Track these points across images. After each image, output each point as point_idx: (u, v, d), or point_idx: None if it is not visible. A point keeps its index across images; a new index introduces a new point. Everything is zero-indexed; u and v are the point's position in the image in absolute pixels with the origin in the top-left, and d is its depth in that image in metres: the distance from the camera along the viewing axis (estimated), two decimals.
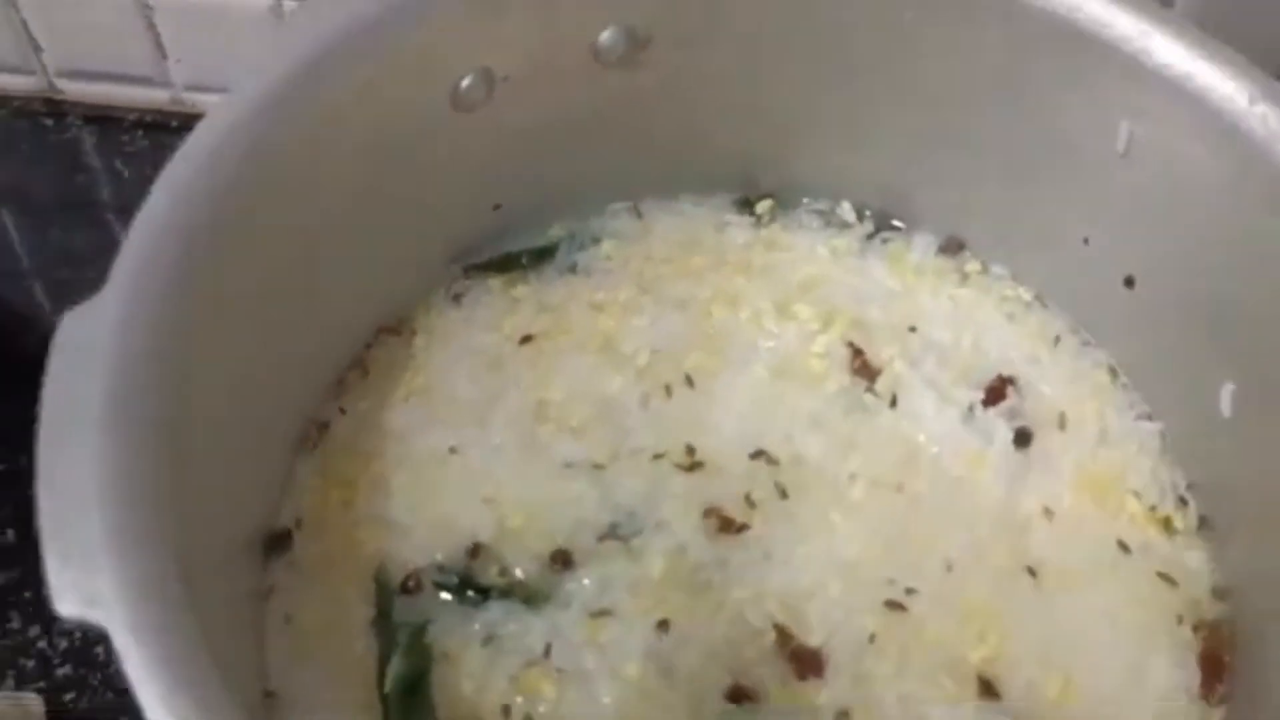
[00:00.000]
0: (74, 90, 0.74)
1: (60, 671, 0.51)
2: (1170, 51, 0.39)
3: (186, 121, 0.73)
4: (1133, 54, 0.40)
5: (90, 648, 0.52)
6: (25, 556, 0.54)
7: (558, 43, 0.43)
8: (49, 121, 0.74)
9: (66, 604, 0.26)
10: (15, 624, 0.53)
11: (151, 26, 0.68)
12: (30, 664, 0.52)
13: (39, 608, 0.53)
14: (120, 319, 0.31)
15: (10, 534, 0.56)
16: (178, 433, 0.33)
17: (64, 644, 0.52)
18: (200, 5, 0.66)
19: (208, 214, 0.36)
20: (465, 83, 0.43)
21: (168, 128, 0.73)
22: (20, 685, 0.51)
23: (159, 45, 0.69)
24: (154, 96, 0.73)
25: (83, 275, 0.68)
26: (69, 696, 0.51)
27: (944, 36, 0.43)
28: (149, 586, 0.27)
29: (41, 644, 0.52)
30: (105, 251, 0.75)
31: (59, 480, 0.28)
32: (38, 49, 0.69)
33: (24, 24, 0.68)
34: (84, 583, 0.26)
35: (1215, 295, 0.41)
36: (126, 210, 0.77)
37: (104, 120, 0.74)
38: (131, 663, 0.26)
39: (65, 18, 0.68)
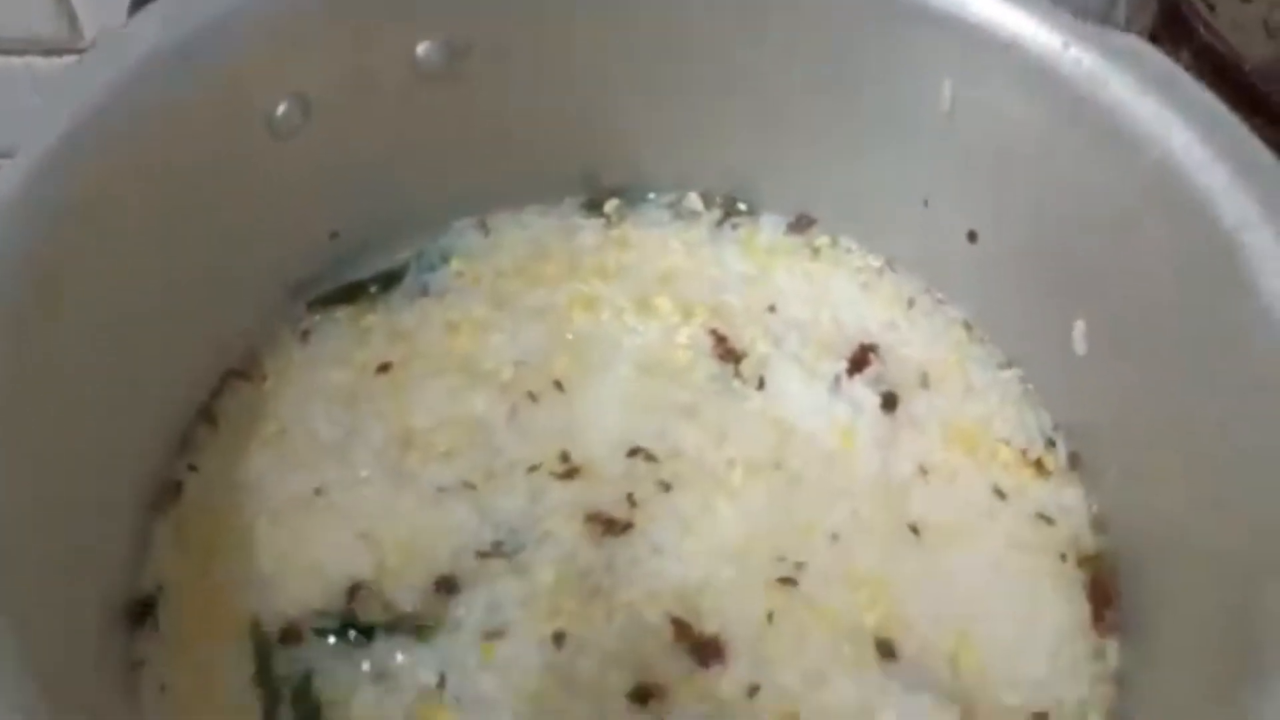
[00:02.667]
0: None
1: None
2: (982, 4, 0.40)
3: None
4: (946, 11, 0.41)
5: None
6: None
7: (373, 62, 0.42)
8: None
9: None
10: None
11: None
12: None
13: None
14: None
15: None
16: (16, 499, 0.31)
17: None
18: None
19: (17, 274, 0.34)
20: (280, 110, 0.41)
21: None
22: None
23: None
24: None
25: None
26: None
27: (765, 20, 0.44)
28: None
29: None
30: None
31: None
32: None
33: None
34: None
35: (1055, 239, 0.42)
36: None
37: None
38: None
39: None
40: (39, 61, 0.65)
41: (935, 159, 0.44)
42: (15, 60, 0.65)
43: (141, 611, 0.39)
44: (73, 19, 0.63)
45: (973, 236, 0.45)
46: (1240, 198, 0.35)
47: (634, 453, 0.44)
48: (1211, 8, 0.54)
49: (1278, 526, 0.32)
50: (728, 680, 0.39)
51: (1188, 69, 0.38)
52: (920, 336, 0.48)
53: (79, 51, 0.63)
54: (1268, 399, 0.34)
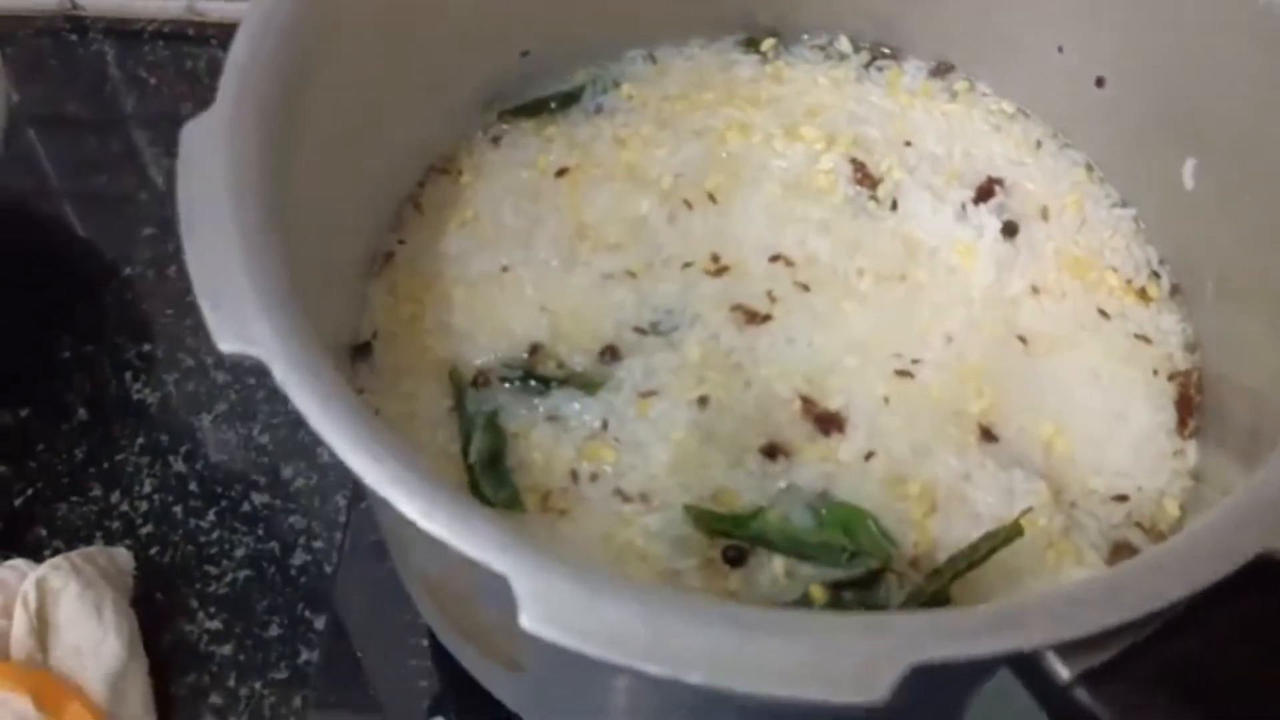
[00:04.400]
0: (94, 5, 0.78)
1: (143, 530, 0.57)
2: None
3: (202, 30, 0.77)
4: None
5: (169, 508, 0.58)
6: (97, 432, 0.60)
7: None
8: (73, 38, 0.78)
9: (225, 343, 0.31)
10: (97, 491, 0.58)
11: None
12: (116, 525, 0.57)
13: (119, 475, 0.59)
14: (231, 130, 0.36)
15: (83, 413, 0.61)
16: (279, 235, 0.38)
17: (144, 506, 0.58)
18: None
19: (285, 51, 0.41)
20: None
21: (185, 37, 0.77)
22: (109, 544, 0.56)
23: None
24: (170, 7, 0.77)
25: (115, 184, 0.72)
26: (153, 551, 0.56)
27: None
28: (295, 329, 0.32)
29: (124, 508, 0.58)
30: (132, 159, 0.79)
31: (204, 248, 0.33)
32: None
33: None
34: (238, 328, 0.32)
35: (1175, 84, 0.46)
36: (150, 120, 0.82)
37: (124, 34, 0.78)
38: (292, 385, 0.31)
39: None
40: None
41: (1069, 6, 0.49)
42: None
43: (361, 351, 0.47)
44: None
45: (1100, 82, 0.50)
46: None
47: (775, 258, 0.50)
48: None
49: None
50: (846, 447, 0.45)
51: None
52: (1044, 174, 0.52)
53: None
54: None
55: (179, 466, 0.59)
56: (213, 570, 0.56)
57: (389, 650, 0.52)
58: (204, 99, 0.38)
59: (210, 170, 0.34)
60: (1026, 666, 0.30)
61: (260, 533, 0.57)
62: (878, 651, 0.27)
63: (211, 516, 0.58)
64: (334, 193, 0.45)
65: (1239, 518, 0.30)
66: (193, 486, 0.58)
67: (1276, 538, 0.29)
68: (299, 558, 0.56)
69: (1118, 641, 0.30)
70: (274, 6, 0.41)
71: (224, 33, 0.75)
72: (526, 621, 0.27)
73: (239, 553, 0.56)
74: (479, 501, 0.43)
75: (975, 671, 0.32)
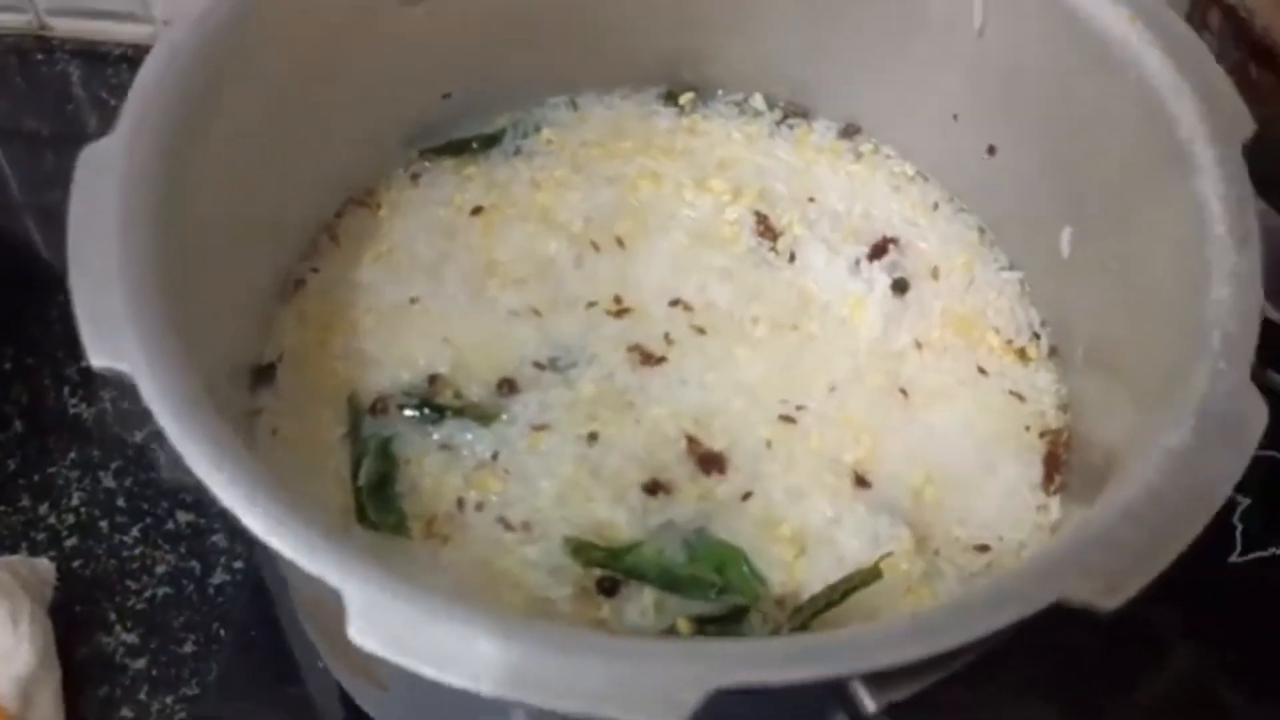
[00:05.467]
0: (63, 27, 0.80)
1: (69, 543, 0.58)
2: None
3: None
4: None
5: (95, 522, 0.59)
6: (31, 444, 0.61)
7: None
8: (39, 57, 0.80)
9: (98, 357, 0.33)
10: (25, 502, 0.59)
11: None
12: (41, 537, 0.58)
13: (49, 488, 0.59)
14: (127, 154, 0.38)
15: (19, 425, 0.63)
16: (175, 256, 0.40)
17: (71, 519, 0.59)
18: None
19: (194, 78, 0.43)
20: None
21: None
22: (33, 555, 0.57)
23: None
24: (137, 31, 0.78)
25: None
26: (76, 564, 0.57)
27: None
28: (165, 350, 0.34)
29: (51, 520, 0.59)
30: None
31: (87, 267, 0.35)
32: None
33: None
34: (110, 342, 0.34)
35: (1053, 157, 0.49)
36: None
37: (90, 55, 0.80)
38: (155, 401, 0.33)
39: None
40: None
41: (966, 77, 0.51)
42: None
43: (266, 372, 0.49)
44: None
45: (991, 151, 0.52)
46: (1199, 124, 0.41)
47: (675, 303, 0.52)
48: None
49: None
50: (725, 487, 0.47)
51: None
52: (938, 236, 0.54)
53: None
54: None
55: (108, 482, 0.60)
56: (133, 585, 0.57)
57: (290, 669, 0.54)
58: None
59: (102, 193, 0.36)
60: (840, 696, 0.31)
61: (182, 550, 0.58)
62: (683, 675, 0.29)
63: (136, 532, 0.59)
64: (242, 219, 0.47)
65: (1042, 567, 0.32)
66: (120, 502, 0.60)
67: (1072, 587, 0.31)
68: (218, 577, 0.57)
69: (930, 676, 0.31)
70: (185, 35, 0.43)
71: None
72: (354, 634, 0.29)
73: (160, 569, 0.57)
74: (364, 526, 0.45)
75: (798, 698, 0.33)
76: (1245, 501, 0.59)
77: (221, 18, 0.43)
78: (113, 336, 0.34)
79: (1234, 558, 0.58)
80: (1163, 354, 0.39)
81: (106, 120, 0.76)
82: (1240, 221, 0.38)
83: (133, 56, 0.80)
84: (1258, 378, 0.36)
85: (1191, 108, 0.41)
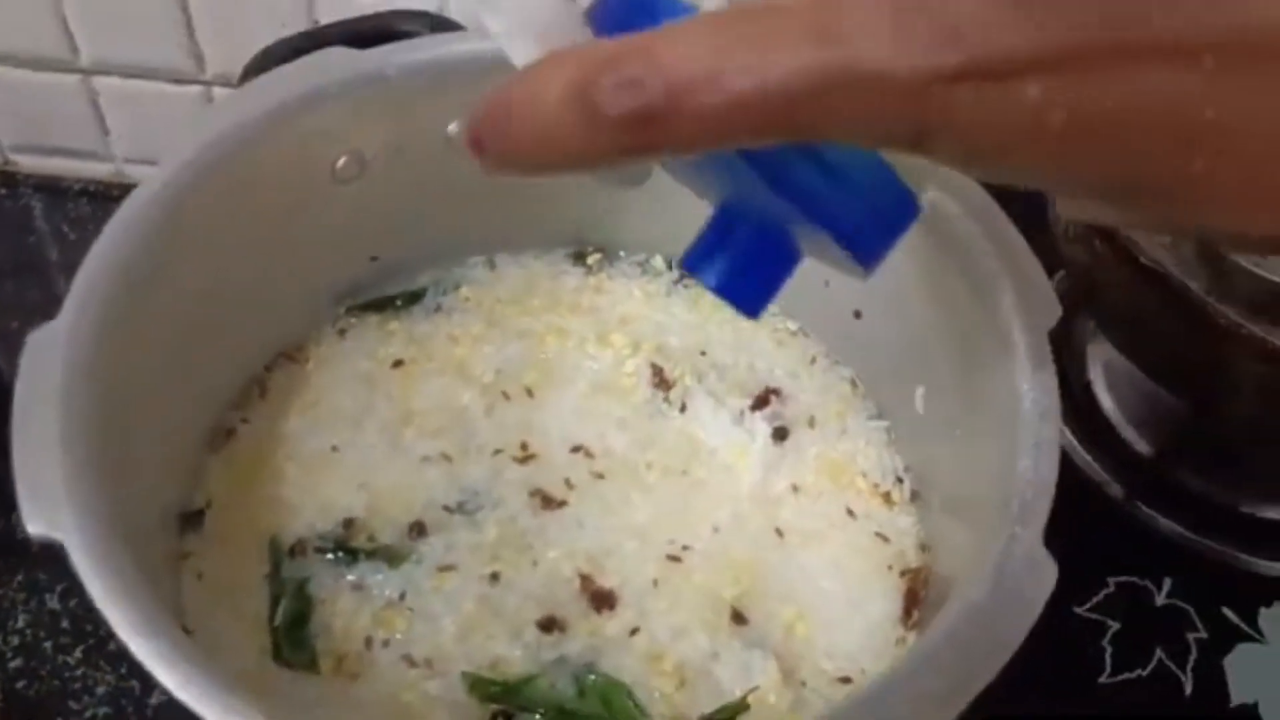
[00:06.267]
0: (27, 163, 0.85)
1: (13, 664, 0.61)
2: None
3: (125, 191, 0.82)
4: None
5: (40, 644, 0.62)
6: None
7: (414, 133, 0.56)
8: (3, 191, 0.84)
9: (35, 525, 0.38)
10: None
11: (96, 108, 0.79)
12: None
13: None
14: (70, 336, 0.43)
15: None
16: (113, 421, 0.45)
17: (16, 640, 0.62)
18: (139, 91, 0.77)
19: (139, 258, 0.48)
20: (341, 161, 0.55)
21: (109, 196, 0.83)
22: None
23: (102, 124, 0.80)
24: (97, 169, 0.84)
25: (32, 325, 0.78)
26: (20, 684, 0.60)
27: None
28: (97, 520, 0.39)
29: None
30: (53, 304, 0.85)
31: (28, 440, 0.39)
32: None
33: None
34: (47, 512, 0.38)
35: (908, 323, 0.55)
36: (72, 268, 0.88)
37: (53, 190, 0.85)
38: (83, 570, 0.37)
39: (20, 101, 0.79)
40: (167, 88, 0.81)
41: None
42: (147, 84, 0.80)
43: (192, 519, 0.53)
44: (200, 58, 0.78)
45: (858, 314, 0.58)
46: (1015, 310, 0.47)
47: (576, 449, 0.57)
48: None
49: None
50: (614, 623, 0.52)
51: None
52: (815, 387, 0.60)
53: (202, 83, 0.78)
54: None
55: (53, 604, 0.63)
56: (74, 705, 0.60)
57: None
58: None
59: (45, 375, 0.41)
60: None
61: (123, 671, 0.61)
62: None
63: (79, 653, 0.62)
64: (178, 380, 0.52)
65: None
66: (64, 624, 0.62)
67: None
68: (156, 697, 0.60)
69: None
70: (132, 214, 0.48)
71: None
72: None
73: (100, 690, 0.60)
74: (279, 664, 0.49)
75: None
76: (1115, 625, 0.65)
77: (166, 201, 0.48)
78: (49, 508, 0.38)
79: (1104, 678, 0.63)
80: (987, 513, 0.44)
81: (66, 252, 0.82)
82: (1043, 399, 0.44)
83: (93, 191, 0.85)
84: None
85: (1010, 295, 0.47)
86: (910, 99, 0.21)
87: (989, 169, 0.24)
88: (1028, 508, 0.41)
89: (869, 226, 0.29)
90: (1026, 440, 0.43)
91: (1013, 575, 0.39)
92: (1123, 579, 0.66)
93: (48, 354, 0.42)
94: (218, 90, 0.78)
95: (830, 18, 0.21)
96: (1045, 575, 0.39)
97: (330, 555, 0.53)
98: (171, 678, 0.35)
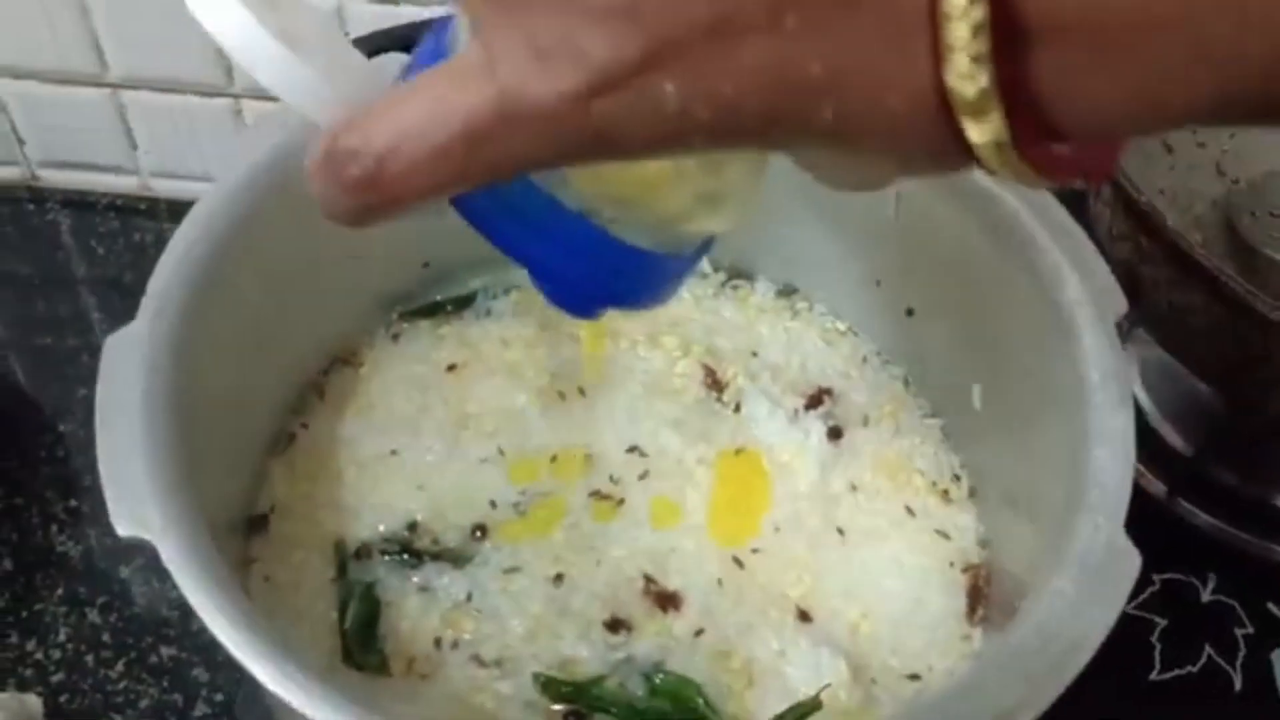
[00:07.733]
0: (53, 178, 0.85)
1: (55, 678, 0.60)
2: None
3: (153, 205, 0.84)
4: None
5: (81, 657, 0.62)
6: (19, 581, 0.64)
7: None
8: (30, 206, 0.84)
9: (123, 527, 0.38)
10: (14, 639, 0.62)
11: (124, 122, 0.79)
12: (29, 672, 0.61)
13: (36, 625, 0.62)
14: (149, 340, 0.44)
15: (8, 563, 0.66)
16: (187, 425, 0.45)
17: (58, 654, 0.62)
18: (167, 104, 0.77)
19: (206, 265, 0.48)
20: None
21: (136, 210, 0.83)
22: (21, 690, 0.59)
23: (130, 138, 0.80)
24: (124, 183, 0.83)
25: (60, 344, 0.78)
26: (63, 698, 0.60)
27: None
28: (182, 520, 0.39)
29: (39, 655, 0.61)
30: (77, 322, 0.84)
31: (113, 444, 0.40)
32: (21, 142, 0.80)
33: (11, 122, 0.79)
34: (135, 515, 0.38)
35: (964, 320, 0.55)
36: (99, 283, 0.87)
37: (80, 205, 0.84)
38: (175, 566, 0.37)
39: (47, 116, 0.79)
40: (195, 101, 0.81)
41: (885, 252, 0.58)
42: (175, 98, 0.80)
43: (259, 522, 0.53)
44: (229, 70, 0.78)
45: (910, 312, 0.59)
46: (1080, 301, 0.48)
47: (632, 449, 0.57)
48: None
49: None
50: (680, 623, 0.52)
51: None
52: (867, 386, 0.60)
53: (231, 95, 0.78)
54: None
55: (94, 617, 0.63)
56: (118, 718, 0.60)
57: None
58: (148, 269, 0.43)
59: (125, 378, 0.41)
60: None
61: (165, 684, 0.61)
62: None
63: (120, 666, 0.61)
64: (243, 385, 0.52)
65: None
66: (105, 637, 0.62)
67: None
68: (200, 709, 0.60)
69: None
70: (197, 230, 0.49)
71: (173, 208, 0.82)
72: None
73: (143, 703, 0.60)
74: (349, 665, 0.49)
75: None
76: (1162, 623, 0.65)
77: (230, 215, 0.49)
78: (137, 509, 0.38)
79: (1154, 675, 0.63)
80: (1055, 505, 0.45)
81: (94, 266, 0.82)
82: (1115, 389, 0.44)
83: (119, 205, 0.84)
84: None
85: (1074, 287, 0.48)
86: (565, 119, 0.24)
87: (666, 156, 0.26)
88: (1108, 496, 0.41)
89: (564, 276, 0.33)
90: (1099, 429, 0.43)
91: (1096, 565, 0.40)
92: (1168, 575, 0.67)
93: (127, 357, 0.42)
94: (246, 103, 0.78)
95: (488, 66, 0.24)
96: (1129, 564, 0.40)
97: (395, 558, 0.53)
98: (267, 671, 0.35)
